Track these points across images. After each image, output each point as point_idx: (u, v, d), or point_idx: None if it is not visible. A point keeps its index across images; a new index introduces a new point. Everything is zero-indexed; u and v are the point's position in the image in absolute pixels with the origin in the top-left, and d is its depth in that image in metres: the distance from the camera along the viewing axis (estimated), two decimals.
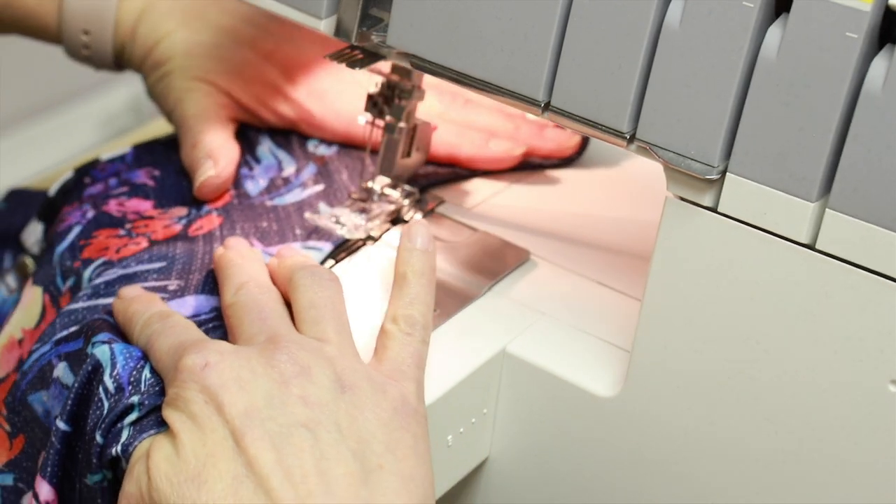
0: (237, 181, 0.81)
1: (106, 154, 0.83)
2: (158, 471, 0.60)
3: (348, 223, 0.78)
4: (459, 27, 0.66)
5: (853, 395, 0.63)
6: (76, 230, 0.77)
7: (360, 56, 0.72)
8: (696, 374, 0.67)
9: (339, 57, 0.72)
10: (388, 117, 0.78)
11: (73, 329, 0.69)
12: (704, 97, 0.61)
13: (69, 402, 0.65)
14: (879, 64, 0.58)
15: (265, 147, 0.83)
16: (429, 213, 0.81)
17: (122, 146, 0.84)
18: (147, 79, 0.84)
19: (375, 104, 0.78)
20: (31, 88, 1.70)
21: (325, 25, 0.71)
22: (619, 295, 0.76)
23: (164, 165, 0.82)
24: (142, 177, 0.81)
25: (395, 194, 0.80)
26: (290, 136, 0.84)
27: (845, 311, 0.62)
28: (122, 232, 0.77)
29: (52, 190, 0.82)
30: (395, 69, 0.77)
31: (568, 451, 0.72)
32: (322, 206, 0.79)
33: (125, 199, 0.79)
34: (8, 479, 0.69)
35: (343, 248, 0.77)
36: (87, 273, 0.74)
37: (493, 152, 0.84)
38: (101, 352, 0.66)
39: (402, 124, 0.78)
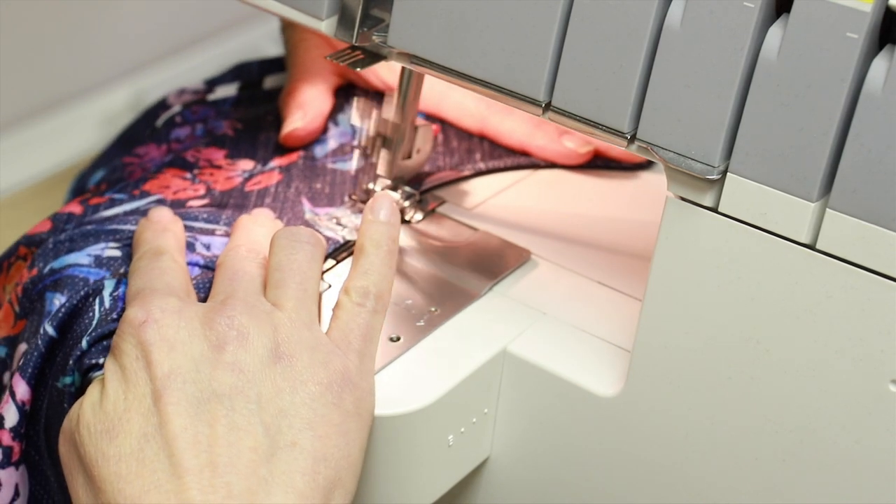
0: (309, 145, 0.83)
1: (213, 95, 0.87)
2: (84, 416, 0.62)
3: (349, 224, 0.78)
4: (460, 27, 0.66)
5: (853, 395, 0.63)
6: (149, 169, 0.81)
7: (360, 56, 0.72)
8: (696, 373, 0.67)
9: (339, 57, 0.72)
10: (380, 159, 0.79)
11: (114, 251, 0.72)
12: (705, 97, 0.62)
13: (62, 309, 0.68)
14: (880, 64, 0.58)
15: (348, 114, 0.85)
16: (429, 214, 0.81)
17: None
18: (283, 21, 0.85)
19: (367, 156, 0.79)
20: (31, 88, 1.70)
21: (325, 26, 0.71)
22: (620, 295, 0.76)
23: (250, 119, 0.85)
24: (224, 127, 0.84)
25: (395, 196, 0.80)
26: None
27: (845, 311, 0.62)
28: (187, 175, 0.80)
29: (161, 121, 0.86)
30: (383, 124, 0.78)
31: (568, 450, 0.72)
32: (324, 212, 0.79)
33: (202, 147, 0.82)
34: (1, 352, 0.73)
35: (343, 248, 0.77)
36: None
37: (564, 147, 0.85)
38: (110, 281, 0.69)
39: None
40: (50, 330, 0.68)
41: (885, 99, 0.58)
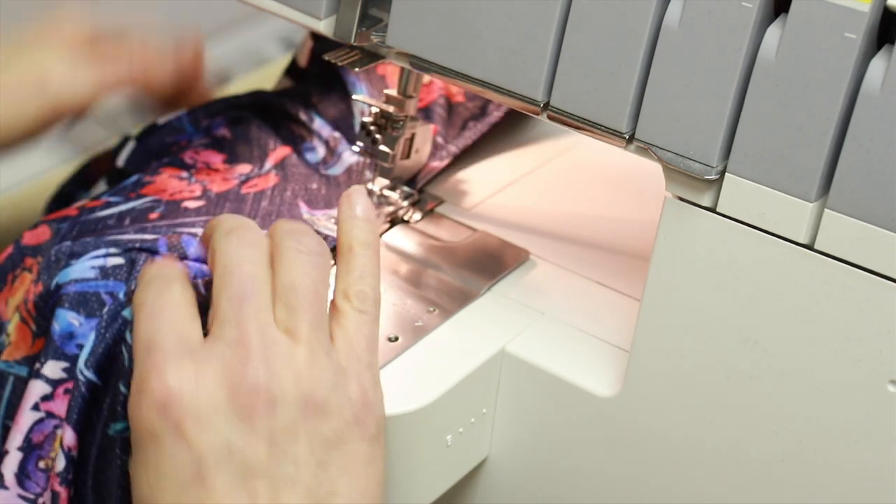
0: (299, 151, 0.83)
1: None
2: (137, 471, 0.62)
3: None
4: (459, 27, 0.66)
5: (853, 395, 0.63)
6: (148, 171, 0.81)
7: (358, 56, 0.72)
8: (695, 374, 0.67)
9: (338, 57, 0.72)
10: (381, 146, 0.78)
11: (117, 259, 0.71)
12: (703, 97, 0.62)
13: (99, 352, 0.67)
14: (878, 64, 0.58)
15: (330, 117, 0.85)
16: (428, 213, 0.81)
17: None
18: None
19: (368, 133, 0.78)
20: None
21: (324, 26, 0.71)
22: (619, 295, 0.76)
23: (246, 120, 0.84)
24: (222, 129, 0.84)
25: (394, 196, 0.80)
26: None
27: (844, 312, 0.62)
28: (183, 174, 0.79)
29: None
30: (388, 99, 0.77)
31: (567, 450, 0.72)
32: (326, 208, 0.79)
33: (201, 150, 0.82)
34: (23, 371, 0.71)
35: None
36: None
37: None
38: (130, 312, 0.68)
39: (394, 153, 0.78)
40: (90, 375, 0.67)
41: (883, 99, 0.58)
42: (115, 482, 0.67)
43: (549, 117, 0.66)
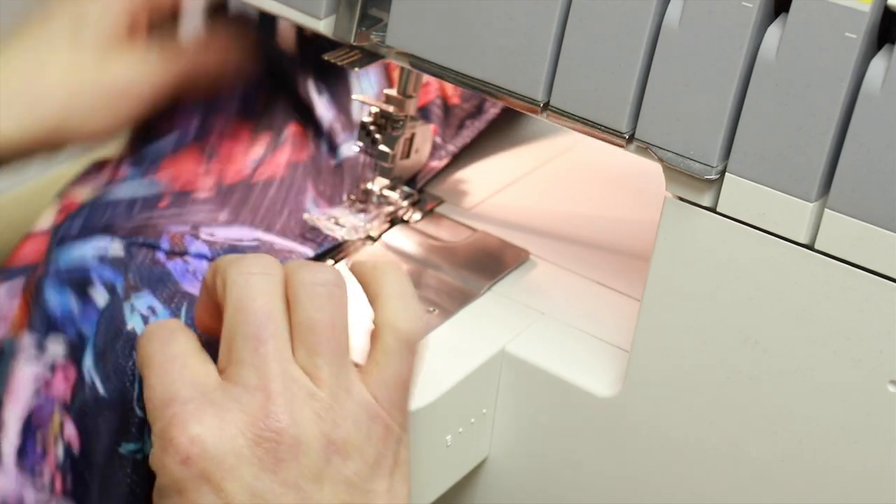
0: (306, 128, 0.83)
1: None
2: None
3: (347, 224, 0.78)
4: (458, 27, 0.66)
5: (853, 395, 0.63)
6: (171, 138, 0.80)
7: (358, 56, 0.72)
8: (695, 374, 0.67)
9: (337, 57, 0.72)
10: (380, 146, 0.78)
11: (118, 251, 0.72)
12: (703, 97, 0.61)
13: (103, 353, 0.68)
14: (878, 64, 0.58)
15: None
16: (428, 213, 0.81)
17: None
18: None
19: (368, 133, 0.78)
20: None
21: (324, 25, 0.71)
22: (619, 295, 0.76)
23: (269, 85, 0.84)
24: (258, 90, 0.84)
25: (394, 195, 0.80)
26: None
27: (844, 312, 0.62)
28: (202, 162, 0.79)
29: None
30: (388, 99, 0.77)
31: (567, 450, 0.72)
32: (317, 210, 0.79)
33: (227, 127, 0.82)
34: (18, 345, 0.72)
35: (342, 249, 0.77)
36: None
37: None
38: (138, 323, 0.68)
39: (394, 153, 0.78)
40: (98, 382, 0.68)
41: (883, 99, 0.58)
42: (125, 500, 0.67)
43: (549, 117, 0.66)
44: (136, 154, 0.80)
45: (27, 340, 0.71)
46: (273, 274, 0.64)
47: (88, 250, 0.72)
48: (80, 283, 0.70)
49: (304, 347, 0.62)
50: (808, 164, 0.60)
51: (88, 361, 0.68)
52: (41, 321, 0.70)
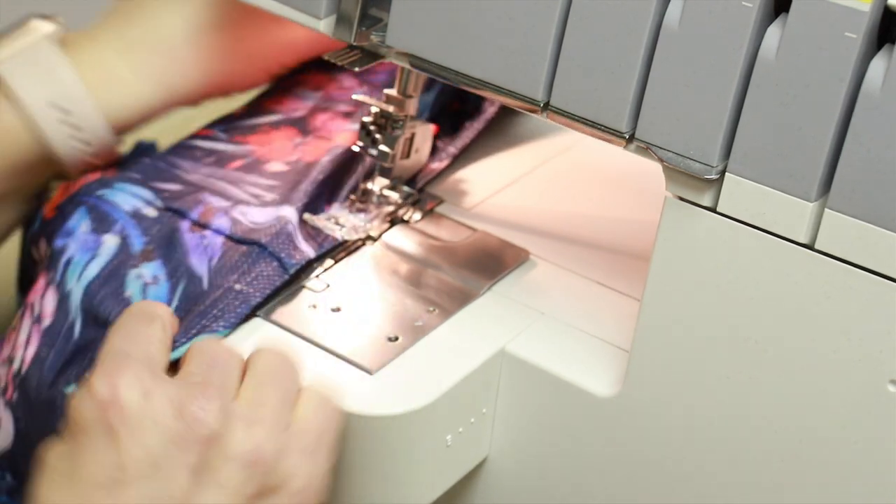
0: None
1: None
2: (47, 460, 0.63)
3: (347, 224, 0.78)
4: (459, 27, 0.66)
5: (853, 395, 0.63)
6: (271, 117, 0.84)
7: (358, 56, 0.72)
8: (694, 374, 0.67)
9: (337, 57, 0.71)
10: (381, 146, 0.78)
11: (152, 211, 0.75)
12: (703, 97, 0.61)
13: (90, 316, 0.71)
14: (878, 64, 0.58)
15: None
16: (428, 213, 0.81)
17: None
18: None
19: (368, 133, 0.78)
20: None
21: (324, 25, 0.71)
22: (619, 295, 0.76)
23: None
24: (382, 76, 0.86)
25: (393, 195, 0.80)
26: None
27: (844, 312, 0.62)
28: (297, 140, 0.82)
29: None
30: (388, 99, 0.77)
31: (567, 450, 0.72)
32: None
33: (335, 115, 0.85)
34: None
35: (342, 248, 0.77)
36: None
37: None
38: (137, 291, 0.71)
39: (394, 153, 0.78)
40: (76, 332, 0.70)
41: (883, 99, 0.58)
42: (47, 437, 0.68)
43: (550, 117, 0.66)
44: (228, 122, 0.83)
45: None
46: (237, 355, 0.67)
47: (127, 199, 0.75)
48: (101, 218, 0.73)
49: (250, 388, 0.65)
50: (808, 163, 0.60)
51: (75, 300, 0.70)
52: (54, 225, 0.74)
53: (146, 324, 0.66)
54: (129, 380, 0.62)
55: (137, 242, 0.73)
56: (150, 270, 0.72)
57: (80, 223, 0.73)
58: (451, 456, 0.72)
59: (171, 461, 0.61)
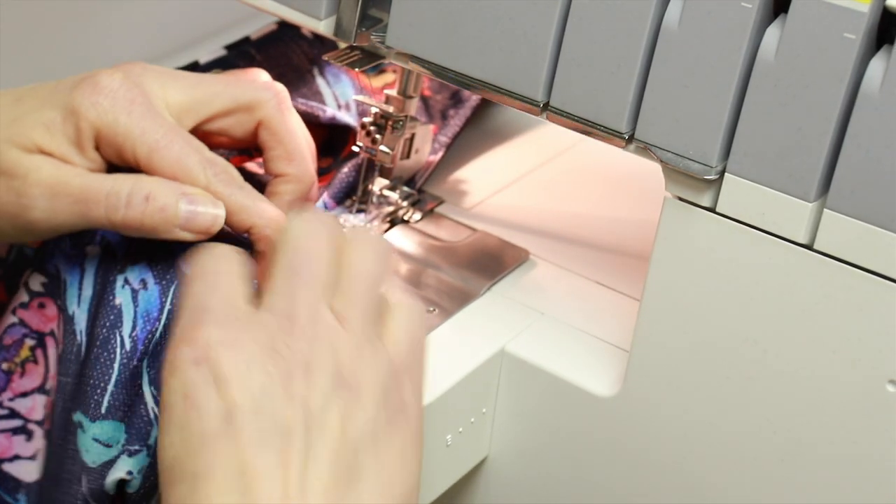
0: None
1: None
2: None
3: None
4: (458, 27, 0.66)
5: (852, 395, 0.63)
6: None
7: (359, 56, 0.72)
8: (694, 373, 0.67)
9: (338, 57, 0.72)
10: (381, 147, 0.78)
11: None
12: (703, 97, 0.62)
13: (95, 335, 0.68)
14: (877, 64, 0.58)
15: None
16: (428, 213, 0.81)
17: None
18: None
19: (368, 133, 0.78)
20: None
21: (324, 26, 0.71)
22: (618, 295, 0.76)
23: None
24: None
25: (393, 196, 0.80)
26: None
27: (844, 312, 0.62)
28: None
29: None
30: (388, 99, 0.77)
31: (567, 450, 0.72)
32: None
33: None
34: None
35: None
36: None
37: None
38: (127, 298, 0.69)
39: (395, 153, 0.78)
40: (82, 349, 0.69)
41: (882, 99, 0.58)
42: (61, 463, 0.67)
43: (549, 117, 0.66)
44: None
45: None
46: (332, 226, 0.64)
47: None
48: (80, 232, 0.70)
49: (341, 294, 0.63)
50: (807, 164, 0.60)
51: (81, 324, 0.69)
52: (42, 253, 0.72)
53: (225, 261, 0.64)
54: (215, 328, 0.61)
55: (119, 248, 0.71)
56: (136, 275, 0.70)
57: (61, 242, 0.71)
58: (451, 456, 0.72)
59: (276, 397, 0.60)
